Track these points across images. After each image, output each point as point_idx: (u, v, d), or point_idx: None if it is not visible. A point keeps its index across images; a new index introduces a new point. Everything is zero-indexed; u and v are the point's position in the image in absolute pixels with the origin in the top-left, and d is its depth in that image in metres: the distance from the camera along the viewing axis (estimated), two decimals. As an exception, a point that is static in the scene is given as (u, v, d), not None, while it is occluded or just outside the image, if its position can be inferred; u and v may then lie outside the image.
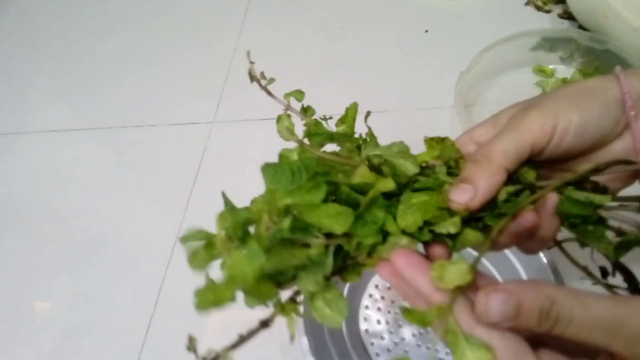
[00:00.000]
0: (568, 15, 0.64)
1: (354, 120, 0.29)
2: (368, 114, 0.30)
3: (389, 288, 0.46)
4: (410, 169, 0.26)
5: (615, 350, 0.19)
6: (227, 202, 0.24)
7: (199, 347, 0.51)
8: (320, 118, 0.29)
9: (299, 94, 0.29)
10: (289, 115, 0.29)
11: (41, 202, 0.63)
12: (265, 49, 0.72)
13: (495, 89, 0.59)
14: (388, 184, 0.24)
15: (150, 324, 0.50)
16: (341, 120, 0.29)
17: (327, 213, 0.22)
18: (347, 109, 0.29)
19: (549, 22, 0.65)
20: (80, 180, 0.64)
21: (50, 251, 0.58)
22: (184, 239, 0.23)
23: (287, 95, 0.30)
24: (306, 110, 0.30)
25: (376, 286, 0.46)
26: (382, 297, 0.46)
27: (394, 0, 0.74)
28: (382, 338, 0.44)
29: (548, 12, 0.66)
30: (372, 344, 0.44)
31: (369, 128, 0.29)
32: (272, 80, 0.30)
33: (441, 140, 0.27)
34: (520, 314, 0.19)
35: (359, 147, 0.27)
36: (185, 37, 0.78)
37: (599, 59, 0.55)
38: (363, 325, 0.45)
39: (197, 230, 0.23)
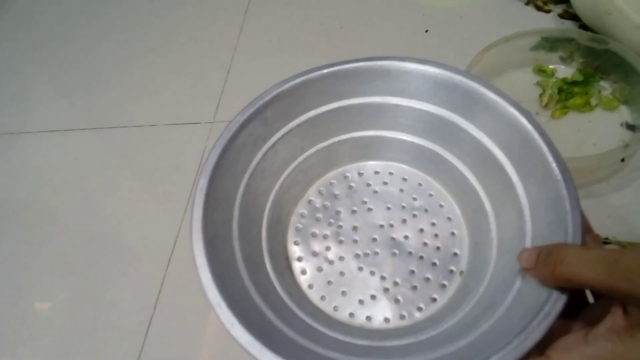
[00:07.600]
0: (568, 15, 0.64)
1: None
2: None
3: (335, 196, 0.38)
4: None
5: (614, 286, 0.22)
6: None
7: (198, 347, 0.51)
8: None
9: None
10: None
11: (41, 202, 0.63)
12: (265, 49, 0.72)
13: (495, 88, 0.59)
14: None
15: (150, 324, 0.50)
16: None
17: None
18: None
19: (549, 22, 0.65)
20: (80, 180, 0.64)
21: (50, 251, 0.58)
22: None
23: None
24: None
25: (320, 192, 0.38)
26: (325, 206, 0.38)
27: (394, 0, 0.74)
28: (314, 254, 0.35)
29: (548, 12, 0.66)
30: (299, 259, 0.35)
31: None
32: None
33: None
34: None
35: None
36: (185, 37, 0.78)
37: (600, 58, 0.55)
38: (293, 235, 0.36)
39: None
